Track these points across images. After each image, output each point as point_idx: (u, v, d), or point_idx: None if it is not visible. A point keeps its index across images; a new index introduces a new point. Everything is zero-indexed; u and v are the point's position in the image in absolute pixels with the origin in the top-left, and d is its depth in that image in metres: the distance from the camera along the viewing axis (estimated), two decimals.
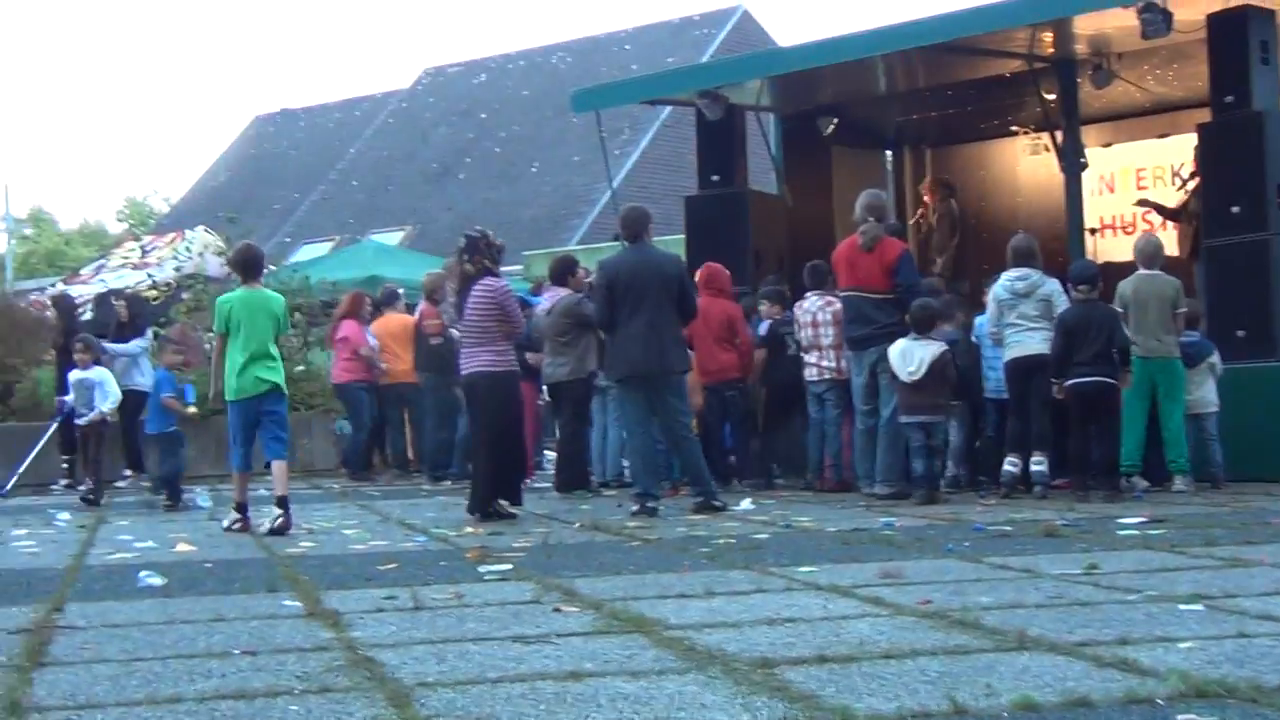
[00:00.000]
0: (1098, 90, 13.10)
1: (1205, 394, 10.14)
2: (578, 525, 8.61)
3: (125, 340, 13.91)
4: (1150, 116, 14.40)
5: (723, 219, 13.48)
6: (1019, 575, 5.77)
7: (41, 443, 13.47)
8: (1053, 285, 9.79)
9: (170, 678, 4.03)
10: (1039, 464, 9.60)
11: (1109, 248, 14.34)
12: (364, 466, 14.12)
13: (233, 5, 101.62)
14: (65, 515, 10.36)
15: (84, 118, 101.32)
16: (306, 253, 31.47)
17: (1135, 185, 14.91)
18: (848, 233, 10.57)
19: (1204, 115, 11.46)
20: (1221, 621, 4.51)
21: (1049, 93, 13.20)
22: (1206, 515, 8.13)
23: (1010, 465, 9.73)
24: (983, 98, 14.30)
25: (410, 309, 14.21)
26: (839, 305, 10.43)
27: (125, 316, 14.22)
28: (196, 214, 34.27)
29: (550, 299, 11.54)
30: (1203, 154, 11.42)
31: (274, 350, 8.82)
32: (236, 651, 4.41)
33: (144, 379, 14.18)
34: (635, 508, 9.14)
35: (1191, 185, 12.48)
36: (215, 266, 18.87)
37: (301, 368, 16.75)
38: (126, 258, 22.42)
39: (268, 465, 8.85)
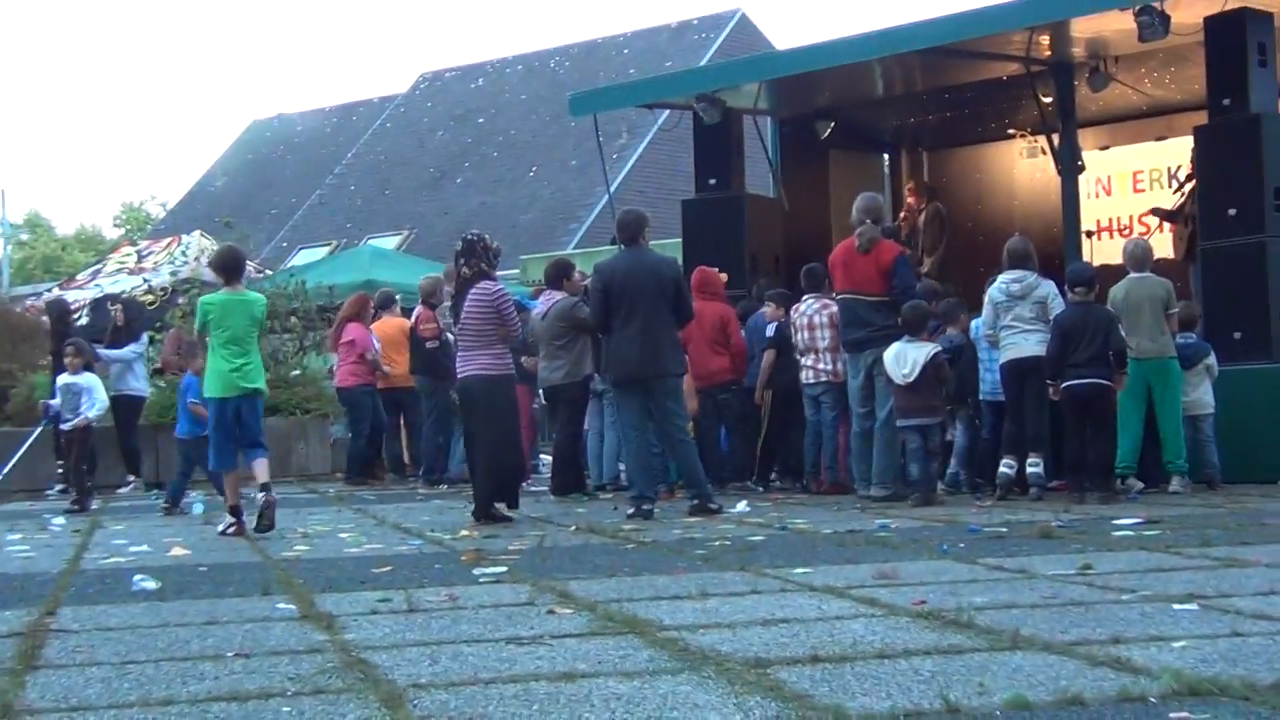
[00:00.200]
0: (1095, 93, 13.13)
1: (1201, 395, 10.15)
2: (573, 528, 8.60)
3: (120, 345, 13.91)
4: (1147, 119, 14.42)
5: (720, 222, 13.49)
6: (1014, 576, 5.76)
7: (25, 446, 13.38)
8: (1048, 287, 9.80)
9: (163, 680, 4.03)
10: (1035, 466, 9.60)
11: (1105, 250, 14.33)
12: (362, 472, 14.05)
13: (230, 10, 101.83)
14: (60, 519, 10.33)
15: (81, 123, 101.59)
16: (303, 257, 31.50)
17: (1132, 188, 14.94)
18: (844, 236, 10.57)
19: (1201, 118, 11.47)
20: (1215, 621, 4.51)
21: (1046, 96, 13.21)
22: (1202, 516, 8.13)
23: (1006, 467, 9.73)
24: (980, 101, 14.33)
25: (406, 313, 14.08)
26: (835, 308, 10.43)
27: (121, 321, 14.22)
28: (193, 219, 34.34)
29: (546, 302, 11.53)
30: (1200, 156, 11.43)
31: (255, 351, 8.87)
32: (230, 654, 4.40)
33: (139, 384, 14.21)
34: (631, 510, 9.14)
35: (1188, 188, 12.49)
36: (211, 272, 18.82)
37: (297, 372, 16.70)
38: (123, 263, 22.46)
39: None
